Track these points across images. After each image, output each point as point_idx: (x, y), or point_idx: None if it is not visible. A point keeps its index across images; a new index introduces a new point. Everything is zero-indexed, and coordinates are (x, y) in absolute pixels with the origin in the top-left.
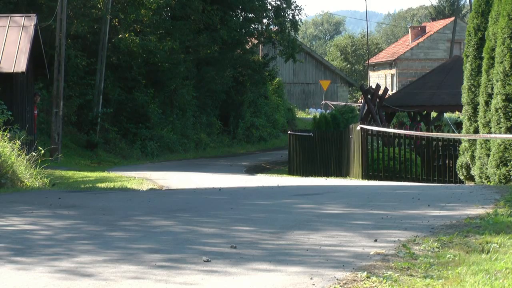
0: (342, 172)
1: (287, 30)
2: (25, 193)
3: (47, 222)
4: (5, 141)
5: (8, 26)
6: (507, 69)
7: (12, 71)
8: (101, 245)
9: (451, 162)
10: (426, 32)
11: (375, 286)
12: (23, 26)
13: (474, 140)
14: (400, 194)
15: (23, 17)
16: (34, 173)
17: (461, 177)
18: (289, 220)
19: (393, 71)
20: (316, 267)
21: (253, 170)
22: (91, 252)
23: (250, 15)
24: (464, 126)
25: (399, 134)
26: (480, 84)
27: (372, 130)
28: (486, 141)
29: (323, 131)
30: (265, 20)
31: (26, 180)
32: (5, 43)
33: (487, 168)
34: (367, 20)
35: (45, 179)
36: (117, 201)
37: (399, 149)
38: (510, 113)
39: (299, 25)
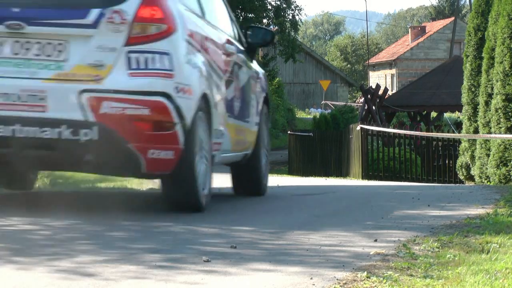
0: (342, 172)
1: (287, 30)
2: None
3: (47, 222)
4: None
5: None
6: (507, 69)
7: None
8: (101, 245)
9: (451, 162)
10: (426, 32)
11: (375, 286)
12: None
13: (474, 140)
14: (400, 194)
15: None
16: None
17: (461, 177)
18: (289, 220)
19: (393, 71)
20: (316, 267)
21: None
22: (91, 252)
23: (250, 15)
24: (464, 126)
25: (399, 134)
26: (480, 84)
27: (372, 130)
28: (486, 141)
29: (323, 131)
30: (265, 20)
31: None
32: None
33: (487, 168)
34: (367, 20)
35: (45, 179)
36: (117, 201)
37: (399, 149)
38: (510, 113)
39: (299, 25)
